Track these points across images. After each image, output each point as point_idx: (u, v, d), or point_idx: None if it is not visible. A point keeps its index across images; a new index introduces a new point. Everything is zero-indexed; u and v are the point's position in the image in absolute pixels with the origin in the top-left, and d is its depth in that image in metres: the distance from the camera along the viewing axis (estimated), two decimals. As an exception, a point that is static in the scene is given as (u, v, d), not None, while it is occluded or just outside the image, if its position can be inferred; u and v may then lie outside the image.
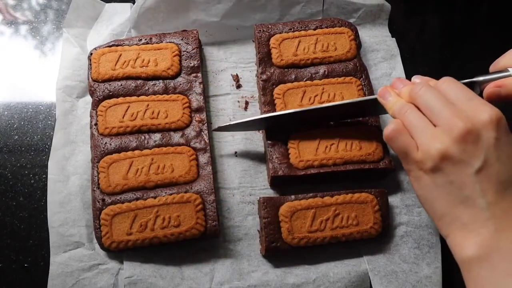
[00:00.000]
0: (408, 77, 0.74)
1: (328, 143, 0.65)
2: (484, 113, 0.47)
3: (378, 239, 0.63)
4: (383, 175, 0.67)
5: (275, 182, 0.66)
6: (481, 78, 0.55)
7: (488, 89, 0.54)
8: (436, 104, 0.50)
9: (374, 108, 0.60)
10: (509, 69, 0.55)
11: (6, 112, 0.73)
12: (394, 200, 0.66)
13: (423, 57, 0.79)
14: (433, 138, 0.49)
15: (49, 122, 0.72)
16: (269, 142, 0.66)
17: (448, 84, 0.52)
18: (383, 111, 0.57)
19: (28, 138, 0.71)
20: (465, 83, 0.53)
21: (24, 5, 0.82)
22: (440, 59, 0.80)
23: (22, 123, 0.72)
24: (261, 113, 0.69)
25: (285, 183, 0.66)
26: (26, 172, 0.69)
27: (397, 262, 0.62)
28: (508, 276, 0.44)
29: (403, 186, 0.67)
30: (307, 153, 0.65)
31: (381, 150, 0.65)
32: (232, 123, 0.67)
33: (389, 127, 0.53)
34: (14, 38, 0.79)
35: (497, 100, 0.54)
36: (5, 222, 0.65)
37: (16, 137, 0.71)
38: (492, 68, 0.58)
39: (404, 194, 0.67)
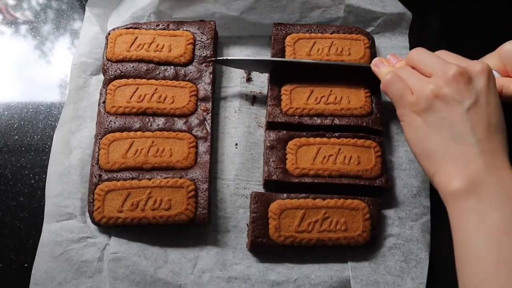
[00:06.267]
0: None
1: (327, 153, 0.65)
2: (476, 65, 0.52)
3: (366, 247, 0.62)
4: (378, 192, 0.66)
5: (268, 185, 0.66)
6: None
7: None
8: (430, 60, 0.55)
9: (367, 76, 0.64)
10: None
11: (6, 112, 0.73)
12: (387, 211, 0.65)
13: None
14: (427, 82, 0.53)
15: (49, 122, 0.73)
16: (268, 144, 0.66)
17: (442, 51, 0.57)
18: (374, 80, 0.62)
19: (28, 138, 0.71)
20: None
21: (24, 5, 0.83)
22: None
23: (22, 123, 0.72)
24: (267, 108, 0.69)
25: (278, 188, 0.65)
26: (26, 172, 0.69)
27: (382, 273, 0.62)
28: (493, 208, 0.46)
29: (399, 198, 0.66)
30: (304, 161, 0.65)
31: (379, 168, 0.65)
32: (235, 58, 0.72)
33: (388, 75, 0.57)
34: (14, 38, 0.80)
35: None
36: (5, 222, 0.66)
37: (16, 137, 0.71)
38: None
39: (399, 206, 0.66)
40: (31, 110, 0.74)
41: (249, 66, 0.73)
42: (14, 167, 0.69)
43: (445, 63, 0.53)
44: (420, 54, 0.56)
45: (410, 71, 0.56)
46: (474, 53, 0.53)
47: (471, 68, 0.52)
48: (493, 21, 0.81)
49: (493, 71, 0.60)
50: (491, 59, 0.61)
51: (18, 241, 0.64)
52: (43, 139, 0.71)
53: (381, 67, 0.61)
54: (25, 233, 0.64)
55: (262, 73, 0.74)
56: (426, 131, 0.52)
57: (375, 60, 0.63)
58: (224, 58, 0.71)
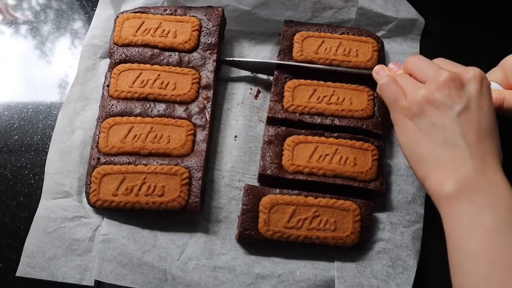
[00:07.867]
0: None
1: (323, 153, 0.65)
2: (469, 71, 0.52)
3: (354, 249, 0.62)
4: (372, 196, 0.65)
5: (263, 179, 0.67)
6: None
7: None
8: (425, 66, 0.55)
9: (371, 81, 0.64)
10: (492, 82, 0.60)
11: (6, 112, 0.73)
12: (380, 215, 0.65)
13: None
14: (419, 88, 0.53)
15: (49, 122, 0.73)
16: (266, 139, 0.66)
17: (440, 59, 0.57)
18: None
19: (28, 138, 0.72)
20: None
21: (24, 5, 0.83)
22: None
23: (22, 123, 0.73)
24: (269, 103, 0.69)
25: (273, 184, 0.65)
26: (26, 172, 0.69)
27: (367, 276, 0.61)
28: (484, 210, 0.47)
29: (393, 204, 0.66)
30: (300, 158, 0.65)
31: (375, 171, 0.64)
32: (243, 59, 0.73)
33: (384, 78, 0.58)
34: (14, 38, 0.80)
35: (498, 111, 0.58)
36: (5, 222, 0.66)
37: (16, 137, 0.72)
38: None
39: (392, 212, 0.65)
40: (31, 110, 0.74)
41: (254, 69, 0.74)
42: (14, 167, 0.70)
43: (438, 69, 0.53)
44: (416, 60, 0.57)
45: (406, 77, 0.57)
46: (475, 52, 0.53)
47: (464, 74, 0.52)
48: (493, 21, 0.79)
49: (495, 83, 0.61)
50: (495, 73, 0.62)
51: (18, 241, 0.64)
52: (43, 139, 0.72)
53: (381, 74, 0.61)
54: (25, 233, 0.63)
55: (267, 75, 0.74)
56: (417, 136, 0.53)
57: (376, 68, 0.63)
58: (230, 59, 0.73)
